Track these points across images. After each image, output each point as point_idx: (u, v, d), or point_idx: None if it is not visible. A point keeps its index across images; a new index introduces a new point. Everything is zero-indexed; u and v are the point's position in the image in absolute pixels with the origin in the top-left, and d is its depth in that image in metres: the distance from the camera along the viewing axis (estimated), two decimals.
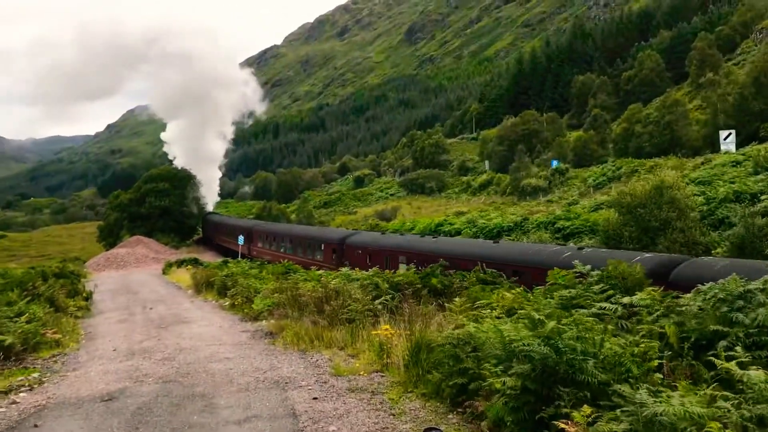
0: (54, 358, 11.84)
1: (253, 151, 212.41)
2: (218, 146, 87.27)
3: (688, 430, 3.63)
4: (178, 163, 78.16)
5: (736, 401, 3.91)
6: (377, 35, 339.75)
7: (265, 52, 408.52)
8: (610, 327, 6.07)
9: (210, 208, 77.47)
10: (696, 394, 4.29)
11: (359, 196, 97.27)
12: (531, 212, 43.46)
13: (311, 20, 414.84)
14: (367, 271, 15.81)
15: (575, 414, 4.56)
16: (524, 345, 5.51)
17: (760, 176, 30.04)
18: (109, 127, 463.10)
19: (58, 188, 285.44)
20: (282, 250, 40.32)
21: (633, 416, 4.02)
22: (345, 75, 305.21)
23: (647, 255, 15.67)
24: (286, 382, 8.59)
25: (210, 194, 79.64)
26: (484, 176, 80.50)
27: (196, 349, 11.78)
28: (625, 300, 8.14)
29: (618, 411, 4.63)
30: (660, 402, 3.81)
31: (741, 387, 4.18)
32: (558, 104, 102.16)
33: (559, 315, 6.56)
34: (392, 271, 15.79)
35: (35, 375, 10.15)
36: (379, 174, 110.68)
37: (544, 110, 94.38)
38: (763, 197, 26.15)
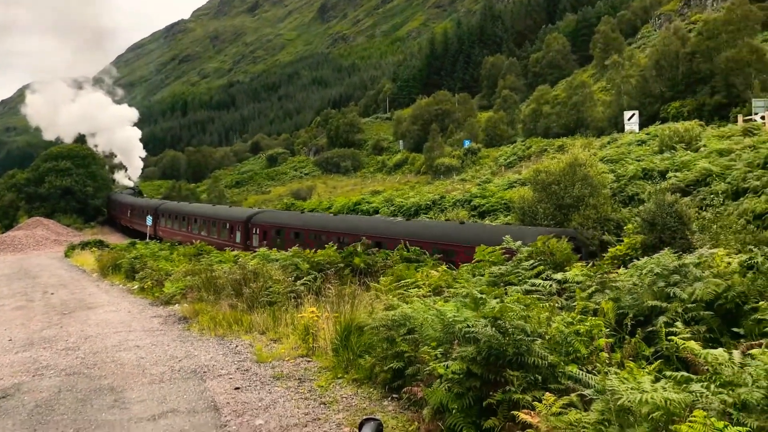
0: None
1: (160, 129, 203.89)
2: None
3: (663, 418, 3.37)
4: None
5: (705, 384, 3.69)
6: (288, 12, 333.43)
7: (172, 26, 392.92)
8: (555, 305, 5.82)
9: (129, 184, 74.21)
10: (657, 375, 4.05)
11: (273, 176, 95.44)
12: (447, 191, 43.73)
13: None
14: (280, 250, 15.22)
15: (537, 404, 4.22)
16: (468, 326, 5.17)
17: (666, 155, 31.26)
18: (2, 102, 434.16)
19: None
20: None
21: (603, 404, 3.73)
22: (256, 52, 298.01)
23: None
24: (205, 371, 7.97)
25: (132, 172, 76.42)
26: (399, 156, 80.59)
27: (103, 337, 10.92)
28: (559, 276, 7.97)
29: (573, 396, 4.36)
30: (632, 389, 3.51)
31: (707, 368, 3.95)
32: (469, 85, 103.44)
33: (501, 293, 6.27)
34: (313, 250, 15.24)
35: None
36: (293, 153, 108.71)
37: (456, 91, 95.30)
38: (669, 175, 27.18)
